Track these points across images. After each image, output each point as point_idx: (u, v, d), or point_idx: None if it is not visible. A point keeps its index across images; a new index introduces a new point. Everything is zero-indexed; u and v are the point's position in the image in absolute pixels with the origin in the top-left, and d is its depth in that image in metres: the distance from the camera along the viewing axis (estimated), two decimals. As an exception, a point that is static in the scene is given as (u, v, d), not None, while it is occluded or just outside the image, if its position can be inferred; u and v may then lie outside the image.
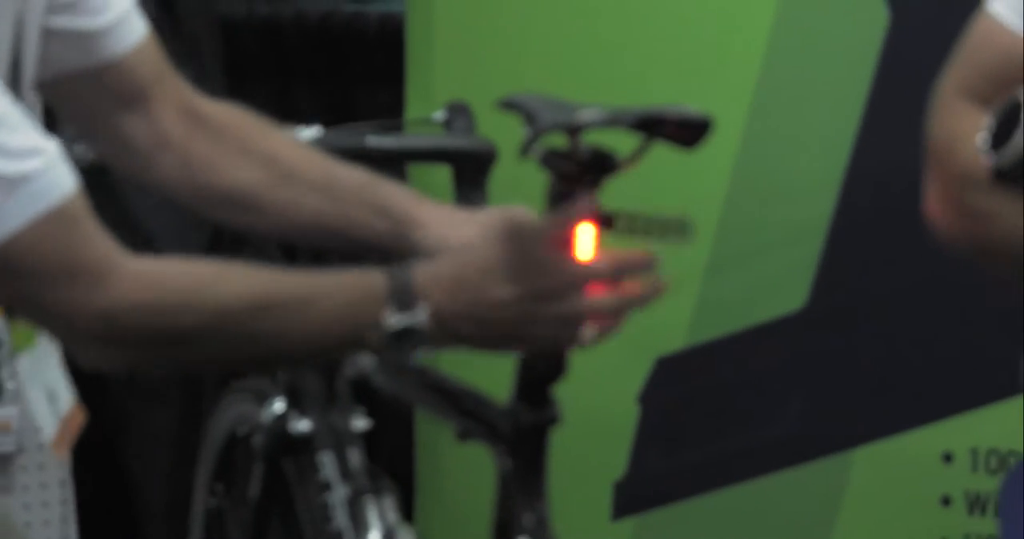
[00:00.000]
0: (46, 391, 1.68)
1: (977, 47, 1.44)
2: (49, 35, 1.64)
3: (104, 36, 1.69)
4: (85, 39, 1.67)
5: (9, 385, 2.86)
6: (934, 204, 1.43)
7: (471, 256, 1.60)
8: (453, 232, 1.81)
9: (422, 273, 1.55)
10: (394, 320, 1.52)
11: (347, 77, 3.51)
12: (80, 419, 1.95)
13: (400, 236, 1.82)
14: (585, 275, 1.58)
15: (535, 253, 1.56)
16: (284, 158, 1.83)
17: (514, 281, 1.54)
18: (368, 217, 1.82)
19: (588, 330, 1.59)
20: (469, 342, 1.60)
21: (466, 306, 1.55)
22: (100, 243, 1.48)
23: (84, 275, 1.46)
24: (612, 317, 1.60)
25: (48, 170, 1.44)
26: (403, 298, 1.53)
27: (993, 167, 1.32)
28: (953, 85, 1.43)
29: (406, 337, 1.52)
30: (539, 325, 1.57)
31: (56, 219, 1.44)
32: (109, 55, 1.70)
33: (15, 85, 1.58)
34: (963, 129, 1.38)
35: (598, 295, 1.58)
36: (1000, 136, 1.32)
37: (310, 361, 2.07)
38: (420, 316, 1.52)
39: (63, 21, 1.65)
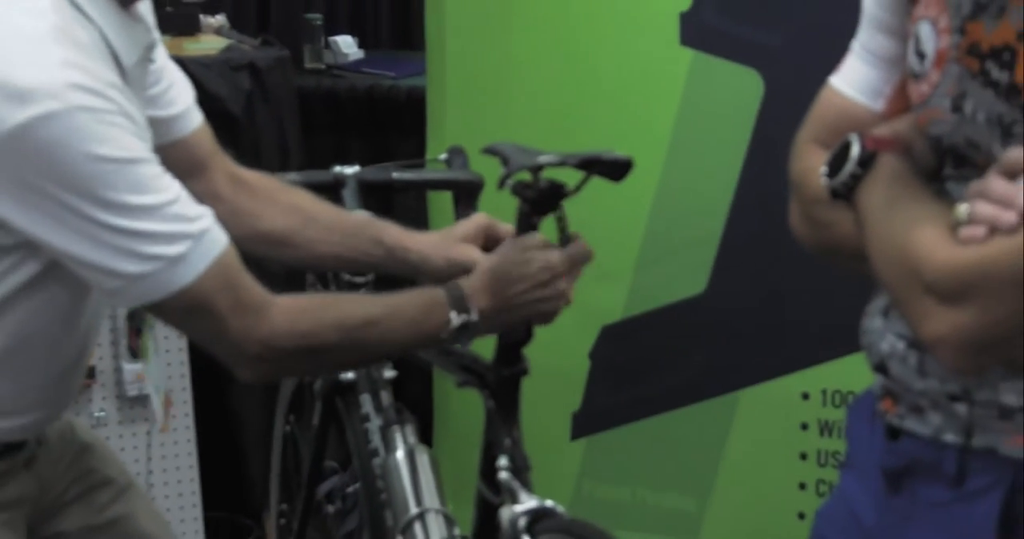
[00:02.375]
0: (155, 389, 1.67)
1: (821, 108, 1.43)
2: None
3: (174, 122, 1.68)
4: (161, 124, 1.64)
5: (148, 343, 2.84)
6: (794, 220, 1.42)
7: (491, 268, 1.63)
8: (433, 251, 1.81)
9: (467, 285, 1.60)
10: (456, 320, 1.56)
11: (385, 131, 3.50)
12: (170, 401, 1.93)
13: (393, 259, 1.82)
14: (559, 269, 1.64)
15: (529, 260, 1.64)
16: (304, 207, 1.81)
17: (522, 280, 1.61)
18: (368, 247, 1.81)
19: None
20: (502, 326, 1.67)
21: (498, 302, 1.60)
22: (254, 284, 1.46)
23: (248, 310, 1.43)
24: (569, 294, 1.68)
25: (212, 228, 1.42)
26: (459, 304, 1.57)
27: (830, 189, 1.31)
28: (806, 135, 1.42)
29: (465, 330, 1.57)
30: (541, 304, 1.63)
31: (223, 266, 1.41)
32: (177, 135, 1.68)
33: None
34: (812, 165, 1.37)
35: (564, 280, 1.66)
36: (835, 167, 1.31)
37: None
38: (473, 314, 1.57)
39: (147, 112, 1.62)
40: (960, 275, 1.15)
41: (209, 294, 1.40)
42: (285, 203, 1.80)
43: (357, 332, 1.51)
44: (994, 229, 1.14)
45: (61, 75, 1.29)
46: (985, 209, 1.15)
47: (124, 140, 1.34)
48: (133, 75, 1.46)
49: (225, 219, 1.76)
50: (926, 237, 1.19)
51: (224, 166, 1.77)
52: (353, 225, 1.84)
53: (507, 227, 1.84)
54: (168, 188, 1.39)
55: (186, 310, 1.41)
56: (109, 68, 1.38)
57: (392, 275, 1.88)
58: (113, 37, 1.41)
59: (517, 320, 1.67)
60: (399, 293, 1.58)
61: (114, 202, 1.33)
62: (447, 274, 1.79)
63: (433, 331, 1.56)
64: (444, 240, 1.82)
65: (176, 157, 1.67)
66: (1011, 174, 1.15)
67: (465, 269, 1.77)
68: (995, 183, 1.15)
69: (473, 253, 1.79)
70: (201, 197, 1.72)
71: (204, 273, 1.39)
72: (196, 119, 1.72)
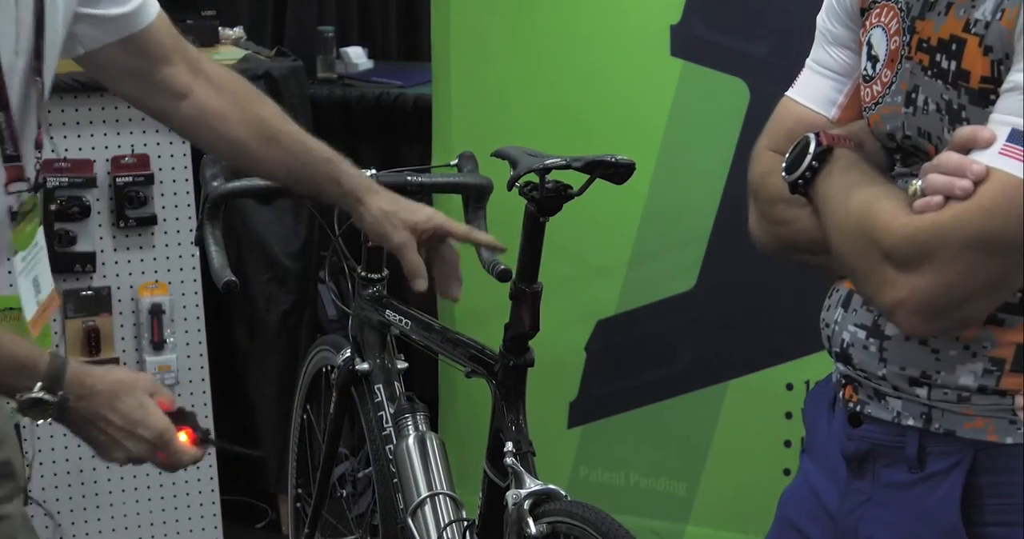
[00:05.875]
0: (32, 281, 1.49)
1: (779, 117, 1.44)
2: (81, 19, 1.53)
3: (127, 18, 1.58)
4: (112, 21, 1.56)
5: (170, 339, 2.83)
6: (752, 222, 1.43)
7: (112, 384, 1.44)
8: (378, 215, 1.73)
9: (75, 374, 1.41)
10: (35, 393, 1.39)
11: (394, 137, 3.49)
12: (56, 302, 1.68)
13: (343, 201, 1.76)
14: (154, 436, 1.44)
15: (144, 406, 1.44)
16: (270, 124, 1.72)
17: (120, 417, 1.43)
18: (325, 183, 1.75)
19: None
20: (71, 426, 1.45)
21: (87, 410, 1.42)
22: None
23: None
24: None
25: None
26: (52, 383, 1.40)
27: (789, 184, 1.32)
28: (764, 142, 1.44)
29: (37, 405, 1.40)
30: (108, 443, 1.44)
31: None
32: (130, 30, 1.58)
33: (38, 69, 1.46)
34: (769, 169, 1.38)
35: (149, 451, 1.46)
36: (794, 165, 1.32)
37: None
38: (55, 398, 1.39)
39: (94, 10, 1.55)
40: (916, 239, 1.16)
41: None
42: (252, 113, 1.70)
43: None
44: (949, 197, 1.15)
45: None
46: (939, 179, 1.16)
47: None
48: None
49: (191, 116, 1.66)
50: (884, 208, 1.20)
51: (188, 57, 1.67)
52: (318, 157, 1.75)
53: (461, 230, 1.78)
54: None
55: None
56: None
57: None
58: None
59: (83, 435, 1.46)
60: (11, 337, 1.42)
61: None
62: (371, 235, 1.76)
63: (7, 388, 1.41)
64: (396, 215, 1.74)
65: (133, 53, 1.59)
66: (964, 149, 1.16)
67: (381, 238, 1.72)
68: (949, 156, 1.17)
69: (405, 245, 1.72)
70: (165, 92, 1.64)
71: None
72: (151, 12, 1.61)
